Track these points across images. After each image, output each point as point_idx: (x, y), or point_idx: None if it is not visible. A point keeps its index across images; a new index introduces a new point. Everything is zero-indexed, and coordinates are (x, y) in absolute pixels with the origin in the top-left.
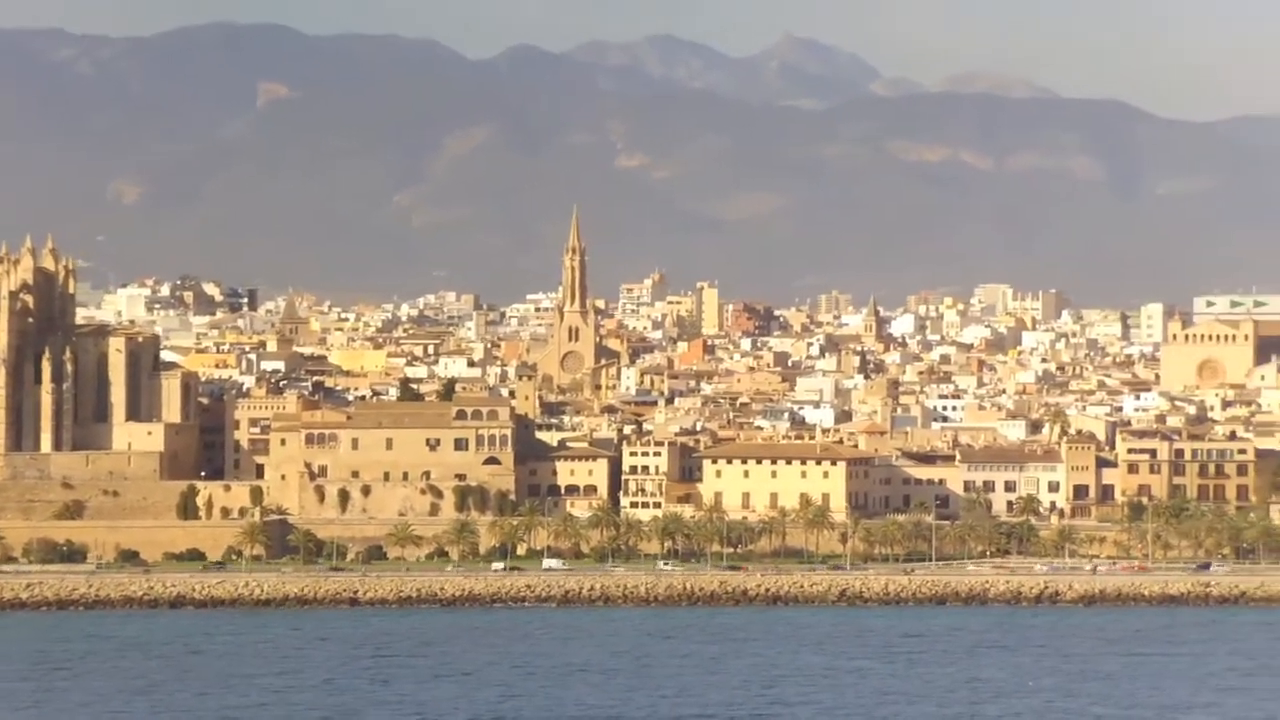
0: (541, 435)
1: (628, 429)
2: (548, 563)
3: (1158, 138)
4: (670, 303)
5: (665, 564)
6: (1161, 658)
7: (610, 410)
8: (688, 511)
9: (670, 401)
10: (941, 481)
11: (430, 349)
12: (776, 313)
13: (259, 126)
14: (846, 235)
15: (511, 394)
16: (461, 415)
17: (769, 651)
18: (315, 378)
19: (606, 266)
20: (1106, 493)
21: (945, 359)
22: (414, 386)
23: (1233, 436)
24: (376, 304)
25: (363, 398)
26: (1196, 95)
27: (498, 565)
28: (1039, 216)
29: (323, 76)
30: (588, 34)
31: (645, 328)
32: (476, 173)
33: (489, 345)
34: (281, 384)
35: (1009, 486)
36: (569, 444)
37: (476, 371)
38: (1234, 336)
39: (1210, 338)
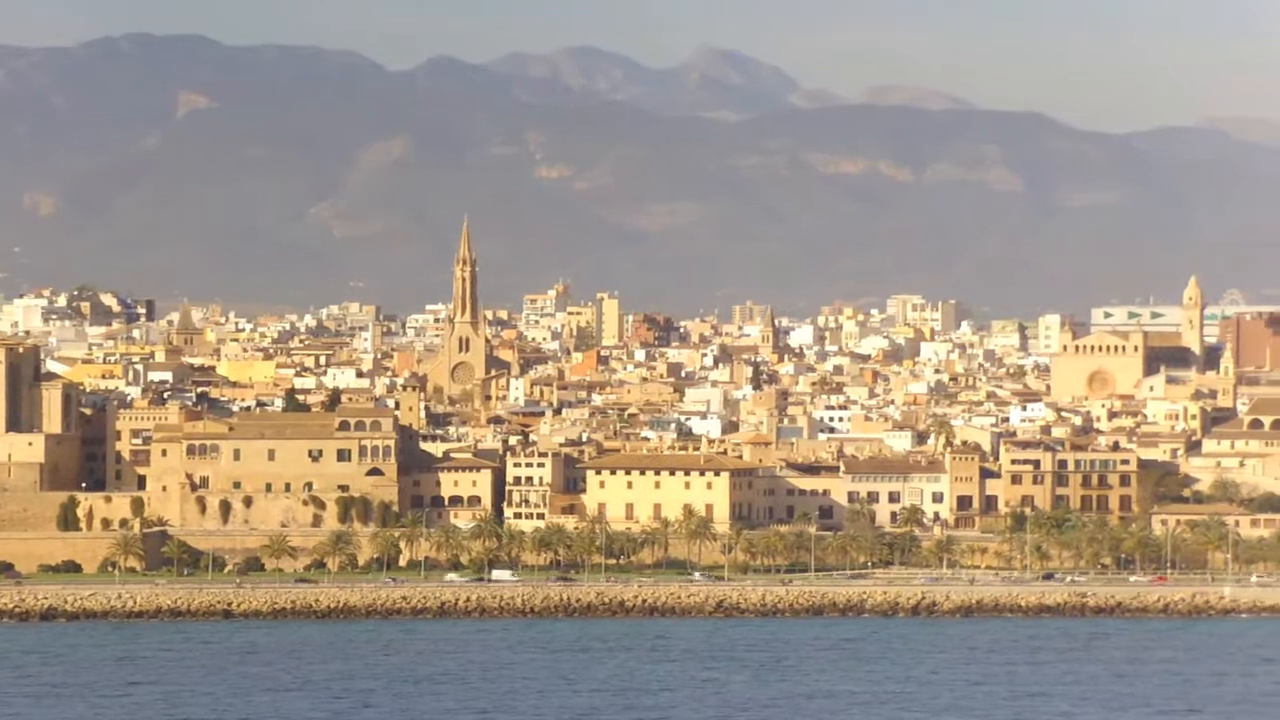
0: (427, 446)
1: (513, 440)
2: (497, 574)
3: (1075, 149)
4: (570, 313)
5: (453, 576)
6: (1027, 667)
7: (497, 421)
8: (571, 522)
9: (558, 412)
10: (825, 492)
11: (322, 360)
12: (681, 324)
13: (178, 137)
14: (764, 247)
15: (397, 405)
16: (345, 426)
17: (631, 663)
18: (201, 388)
19: (523, 277)
20: (990, 503)
21: (839, 370)
22: (300, 398)
23: (1116, 447)
24: (281, 315)
25: (248, 409)
26: (1114, 107)
27: (452, 576)
28: (956, 228)
29: (242, 87)
30: (507, 46)
31: (544, 338)
32: (395, 184)
33: (379, 356)
34: (165, 395)
35: (893, 497)
36: (453, 455)
37: (365, 382)
38: (1124, 348)
39: (1100, 349)
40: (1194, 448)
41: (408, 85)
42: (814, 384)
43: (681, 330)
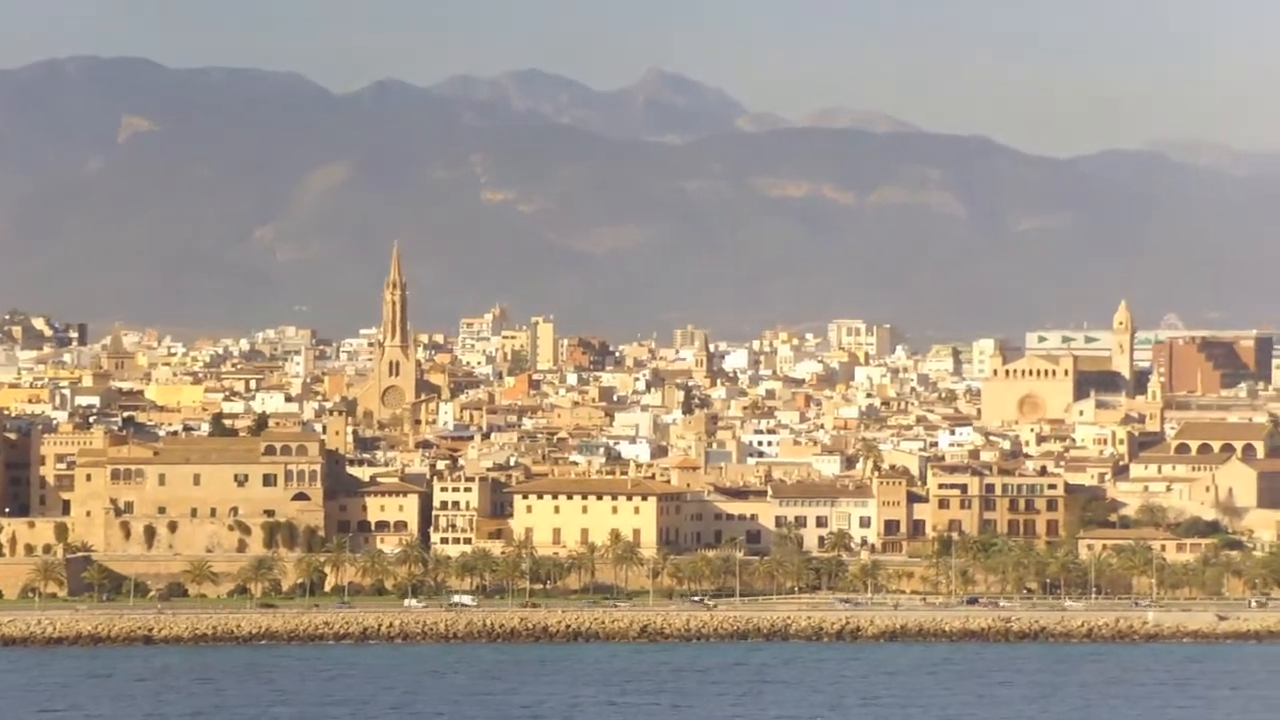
0: (354, 470)
1: (441, 464)
2: (457, 598)
3: (1019, 174)
4: (505, 337)
5: (412, 601)
6: (944, 692)
7: (425, 445)
8: (498, 547)
9: (487, 437)
10: (753, 517)
11: (252, 384)
12: (618, 348)
13: (121, 160)
14: (708, 270)
15: (324, 429)
16: (271, 451)
17: (548, 688)
18: (127, 413)
19: (466, 300)
20: (918, 528)
21: (771, 394)
22: (228, 422)
23: (1043, 472)
24: (216, 339)
25: (174, 433)
26: (1058, 131)
27: (410, 601)
28: (900, 252)
29: (186, 110)
30: (453, 69)
31: (479, 362)
32: (340, 207)
33: (308, 380)
34: (91, 419)
35: (820, 522)
36: (380, 480)
37: (294, 407)
38: (1054, 372)
39: (1031, 373)
40: (1121, 472)
41: (353, 108)
42: (745, 408)
43: (617, 354)
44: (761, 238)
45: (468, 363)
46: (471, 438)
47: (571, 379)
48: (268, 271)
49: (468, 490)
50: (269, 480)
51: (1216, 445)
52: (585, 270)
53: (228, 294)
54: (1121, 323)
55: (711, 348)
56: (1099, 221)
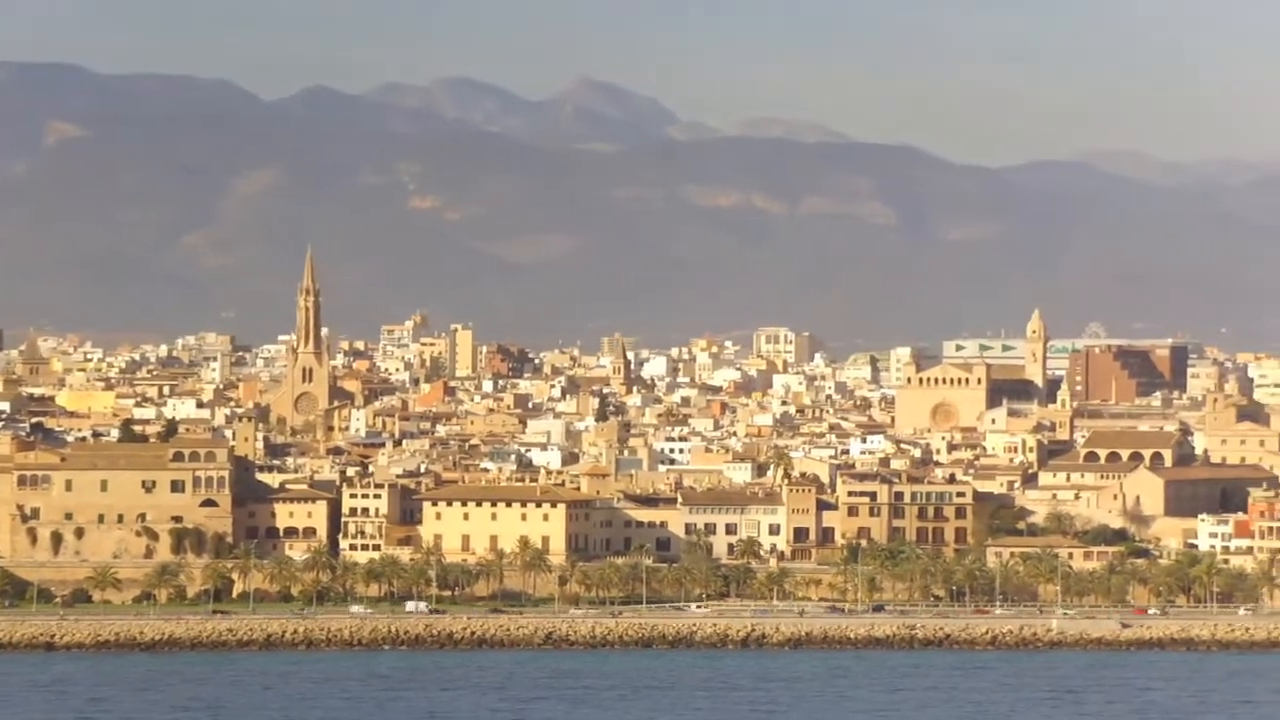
0: (263, 477)
1: (352, 471)
2: (410, 605)
3: (949, 183)
4: (424, 344)
5: (358, 608)
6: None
7: (336, 452)
8: (406, 554)
9: (399, 443)
10: (663, 524)
11: (166, 390)
12: (540, 356)
13: (48, 165)
14: (637, 279)
15: (234, 436)
16: (179, 457)
17: (440, 694)
18: (36, 418)
19: (392, 307)
20: (827, 535)
21: (686, 402)
22: (137, 428)
23: (952, 480)
24: (136, 345)
25: (83, 439)
26: (987, 141)
27: (356, 608)
28: (830, 261)
29: (113, 116)
30: (383, 76)
31: (398, 369)
32: (267, 214)
33: (222, 386)
34: None
35: (730, 529)
36: (289, 486)
37: (206, 413)
38: (967, 380)
39: (944, 381)
40: (1030, 480)
41: (281, 115)
42: (660, 416)
43: (537, 362)
44: (691, 247)
45: (386, 369)
46: (383, 444)
47: (487, 386)
48: (195, 278)
49: (377, 497)
50: (177, 486)
51: (1125, 454)
52: (514, 279)
53: (154, 300)
54: (1035, 331)
55: (631, 355)
56: (1027, 231)
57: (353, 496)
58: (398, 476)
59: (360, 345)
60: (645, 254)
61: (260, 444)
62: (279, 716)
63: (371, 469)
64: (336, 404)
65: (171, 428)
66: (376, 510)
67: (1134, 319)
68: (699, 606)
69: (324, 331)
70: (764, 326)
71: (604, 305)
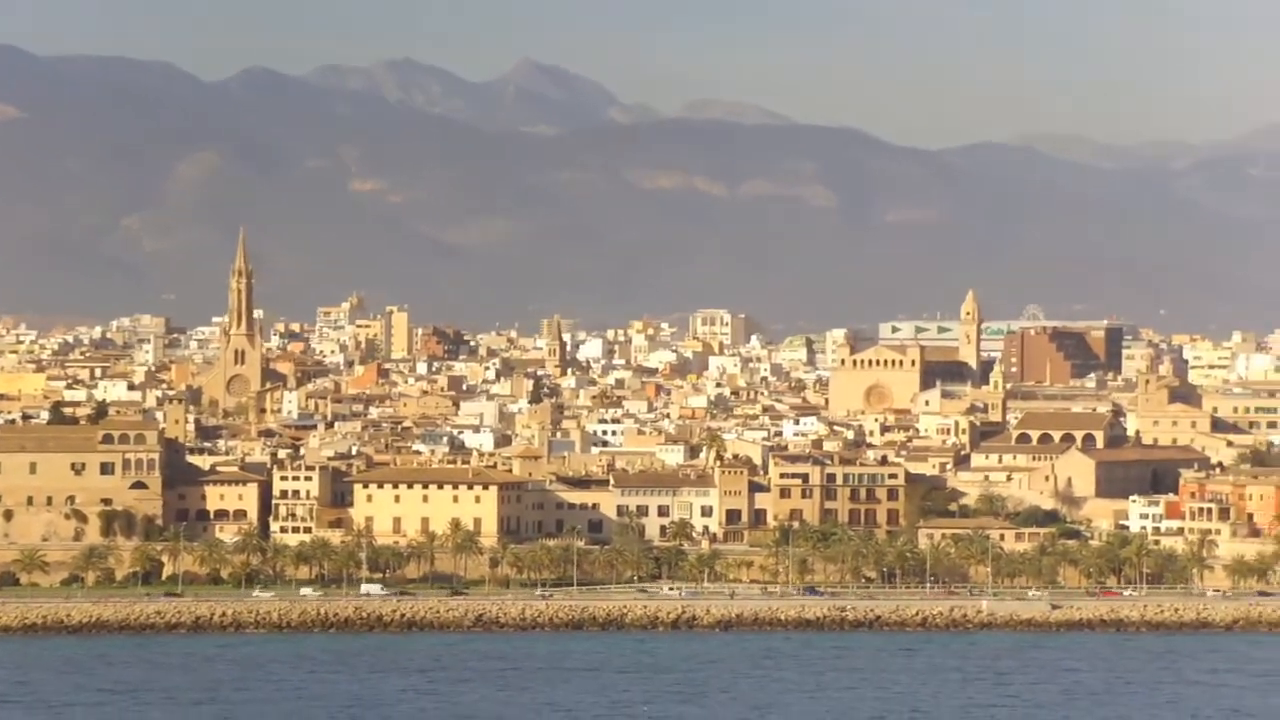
0: (194, 459)
1: (282, 453)
2: (365, 588)
3: (890, 165)
4: (359, 326)
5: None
6: (768, 681)
7: (268, 434)
8: (337, 536)
9: (331, 426)
10: (595, 506)
11: (98, 373)
12: (477, 338)
13: None
14: (579, 261)
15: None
16: (109, 439)
17: (366, 675)
18: None
19: (332, 290)
20: (759, 517)
21: (621, 384)
22: (68, 410)
23: (884, 461)
24: (71, 327)
25: (12, 421)
26: (929, 124)
27: (306, 590)
28: (771, 243)
29: (53, 98)
30: (324, 58)
31: (333, 351)
32: (208, 197)
33: (154, 369)
34: None
35: (662, 511)
36: (220, 469)
37: (137, 395)
38: (901, 362)
39: (878, 363)
40: (962, 462)
41: (222, 97)
42: (594, 398)
43: (473, 344)
44: (632, 229)
45: (321, 352)
46: (315, 427)
47: (421, 368)
48: (135, 261)
49: (308, 479)
50: (106, 469)
51: (1057, 435)
52: (455, 261)
53: (94, 283)
54: (969, 313)
55: (568, 338)
56: (968, 213)
57: (283, 479)
58: (329, 459)
59: (296, 327)
60: (587, 236)
61: (191, 426)
62: (203, 699)
63: (303, 451)
64: (269, 386)
65: (102, 410)
66: (307, 493)
67: (1075, 301)
68: (672, 589)
69: (259, 314)
70: (704, 309)
71: (545, 288)
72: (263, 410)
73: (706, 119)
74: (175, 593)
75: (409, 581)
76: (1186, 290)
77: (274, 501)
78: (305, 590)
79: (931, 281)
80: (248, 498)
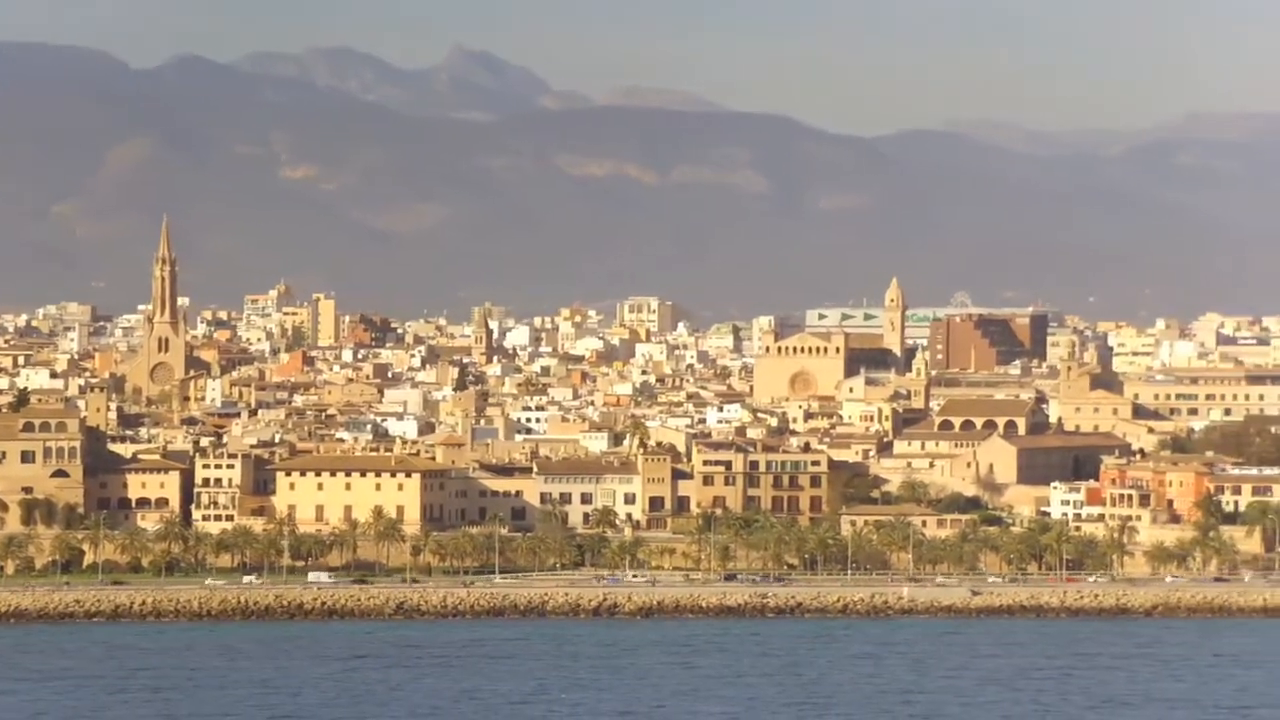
0: (116, 447)
1: (205, 441)
2: (313, 576)
3: (822, 152)
4: (286, 314)
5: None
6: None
7: (191, 422)
8: (259, 524)
9: (254, 413)
10: (518, 493)
11: (20, 360)
12: (405, 325)
13: None
14: (510, 248)
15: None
16: (29, 427)
17: (285, 664)
18: None
19: (262, 277)
20: (682, 504)
21: (546, 371)
22: None
23: (806, 448)
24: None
25: None
26: (861, 111)
27: (249, 578)
28: (703, 230)
29: None
30: (256, 45)
31: (260, 338)
32: (139, 184)
33: (74, 357)
34: None
35: (585, 498)
36: (141, 457)
37: (60, 383)
38: (825, 349)
39: (803, 350)
40: (885, 449)
41: (154, 84)
42: (519, 385)
43: (400, 332)
44: (564, 216)
45: (247, 339)
46: (238, 415)
47: (347, 356)
48: (67, 248)
49: (230, 467)
50: (27, 457)
51: (979, 422)
52: (387, 248)
53: (25, 271)
54: (893, 300)
55: (496, 325)
56: (899, 200)
57: (205, 467)
58: (251, 447)
59: (224, 315)
60: (518, 223)
61: (113, 414)
62: (116, 686)
63: (225, 439)
64: (192, 374)
65: (23, 398)
66: (229, 481)
67: (1005, 288)
68: (635, 575)
69: (184, 301)
70: (636, 296)
71: (477, 275)
72: (186, 398)
73: (638, 106)
74: (121, 581)
75: (331, 569)
76: (1116, 277)
77: (196, 490)
78: (249, 578)
79: (862, 268)
80: (169, 486)
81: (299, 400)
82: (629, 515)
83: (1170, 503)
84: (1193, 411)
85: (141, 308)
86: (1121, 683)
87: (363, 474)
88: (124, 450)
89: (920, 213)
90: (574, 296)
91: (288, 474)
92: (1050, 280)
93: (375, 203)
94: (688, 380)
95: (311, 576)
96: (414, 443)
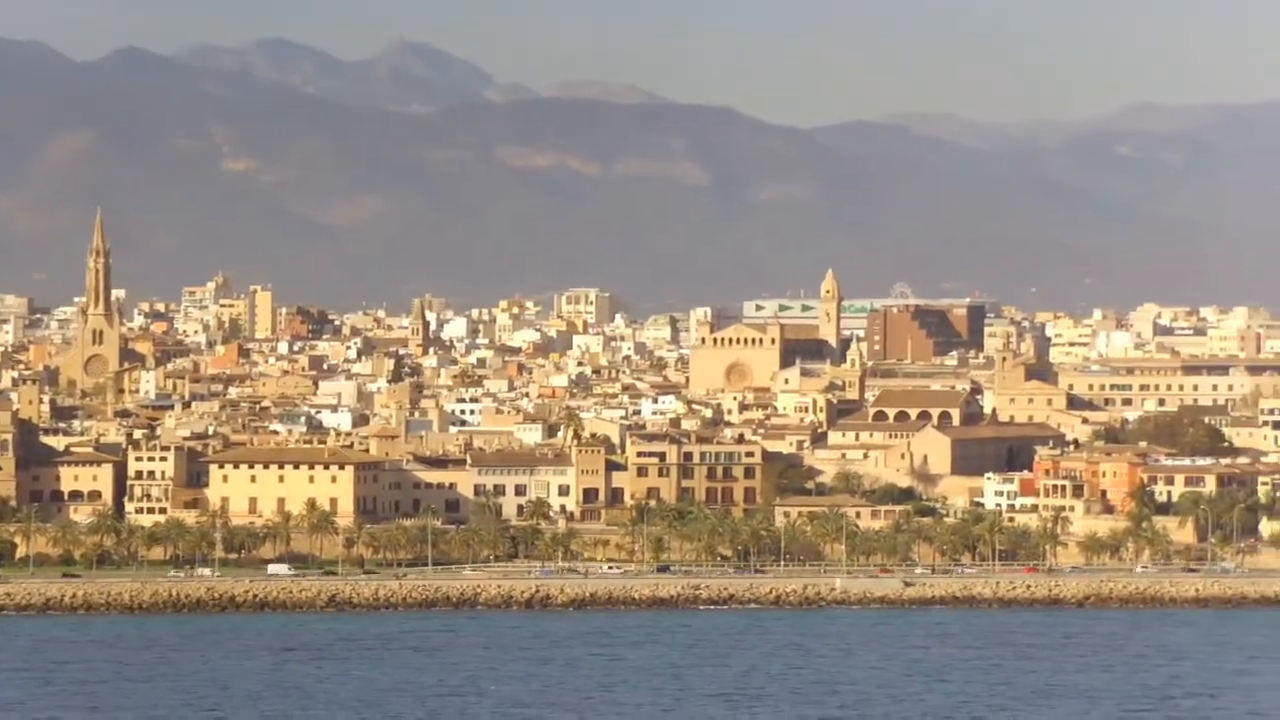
0: (49, 440)
1: (138, 434)
2: (273, 568)
3: (763, 144)
4: (222, 305)
5: None
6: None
7: (124, 414)
8: (192, 517)
9: (188, 405)
10: (452, 486)
11: None
12: (344, 318)
13: None
14: (453, 241)
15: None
16: None
17: (203, 656)
18: None
19: (202, 270)
20: (616, 496)
21: (482, 363)
22: None
23: (741, 440)
24: None
25: None
26: (801, 102)
27: (204, 571)
28: (644, 222)
29: None
30: (197, 37)
31: (197, 330)
32: (79, 176)
33: (8, 349)
34: None
35: (520, 490)
36: (74, 449)
37: None
38: (760, 340)
39: (738, 341)
40: (820, 440)
41: (94, 76)
42: (455, 377)
43: (337, 324)
44: (506, 208)
45: (184, 331)
46: (172, 407)
47: (283, 348)
48: (5, 241)
49: (163, 460)
50: None
51: (914, 413)
52: (329, 241)
53: None
54: (829, 291)
55: (434, 317)
56: (840, 192)
57: (138, 459)
58: (185, 439)
59: (162, 307)
60: (460, 215)
61: (46, 407)
62: (42, 679)
63: (159, 432)
64: (127, 366)
65: None
66: (162, 473)
67: (946, 279)
68: (609, 567)
69: (120, 294)
70: (576, 287)
71: (419, 267)
72: (120, 391)
73: (580, 98)
74: (73, 574)
75: (265, 562)
76: (1057, 269)
77: (129, 482)
78: (203, 571)
79: (802, 260)
80: (102, 479)
81: (234, 392)
82: (563, 507)
83: (1104, 493)
84: (1127, 402)
85: (78, 300)
86: (1048, 672)
87: (296, 466)
88: (57, 443)
89: (861, 204)
90: (516, 288)
91: (221, 466)
92: (991, 271)
93: (316, 195)
94: (624, 372)
95: (272, 569)
96: (348, 435)
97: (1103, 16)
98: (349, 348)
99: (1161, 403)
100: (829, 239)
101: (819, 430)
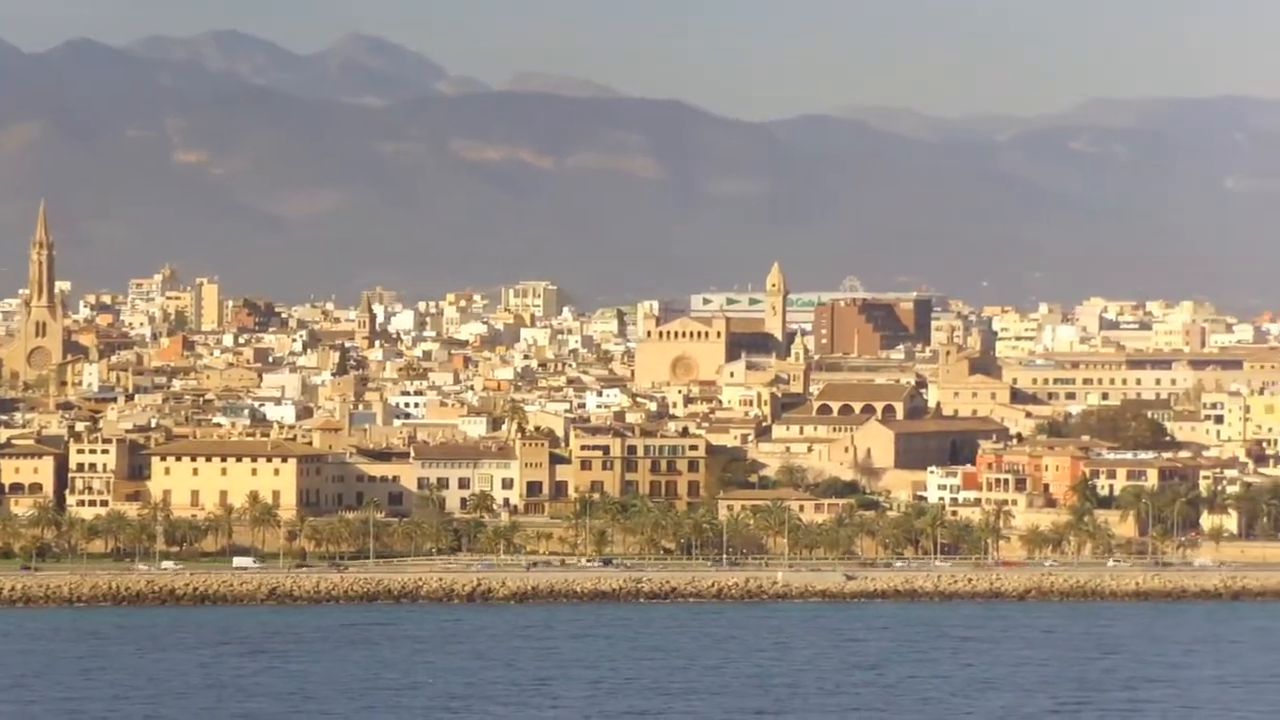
0: None
1: (80, 426)
2: (238, 561)
3: (717, 138)
4: (169, 298)
5: None
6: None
7: (66, 407)
8: (134, 510)
9: (131, 398)
10: (395, 478)
11: None
12: (291, 310)
13: None
14: (404, 234)
15: None
16: None
17: (139, 649)
18: None
19: (151, 262)
20: (560, 489)
21: (428, 355)
22: None
23: (684, 433)
24: None
25: None
26: (755, 96)
27: (168, 564)
28: (597, 216)
29: None
30: (148, 28)
31: (143, 323)
32: (29, 168)
33: None
34: None
35: (463, 483)
36: (15, 442)
37: None
38: (706, 334)
39: (684, 335)
40: (764, 433)
41: (44, 68)
42: (400, 370)
43: (284, 316)
44: (457, 202)
45: (129, 324)
46: (115, 399)
47: (228, 340)
48: None
49: (105, 452)
50: None
51: (858, 406)
52: (280, 233)
53: None
54: (775, 285)
55: (383, 310)
56: (795, 186)
57: (80, 452)
58: (127, 432)
59: (109, 299)
60: (412, 208)
61: None
62: None
63: (101, 424)
64: (70, 358)
65: None
66: (104, 466)
67: (899, 274)
68: (592, 563)
69: (65, 285)
70: (527, 281)
71: (370, 260)
72: (63, 383)
73: (533, 91)
74: (28, 567)
75: (206, 555)
76: (1008, 262)
77: (70, 475)
78: (167, 564)
79: (756, 253)
80: (43, 471)
81: (178, 385)
82: (506, 500)
83: (1046, 487)
84: (1070, 396)
85: (23, 292)
86: (986, 664)
87: (239, 459)
88: None
89: (814, 198)
90: (467, 282)
91: (163, 459)
92: (943, 265)
93: (268, 187)
94: (570, 365)
95: (237, 562)
96: (291, 428)
97: (1059, 12)
98: (295, 340)
99: (1105, 397)
100: (781, 233)
101: (763, 424)
